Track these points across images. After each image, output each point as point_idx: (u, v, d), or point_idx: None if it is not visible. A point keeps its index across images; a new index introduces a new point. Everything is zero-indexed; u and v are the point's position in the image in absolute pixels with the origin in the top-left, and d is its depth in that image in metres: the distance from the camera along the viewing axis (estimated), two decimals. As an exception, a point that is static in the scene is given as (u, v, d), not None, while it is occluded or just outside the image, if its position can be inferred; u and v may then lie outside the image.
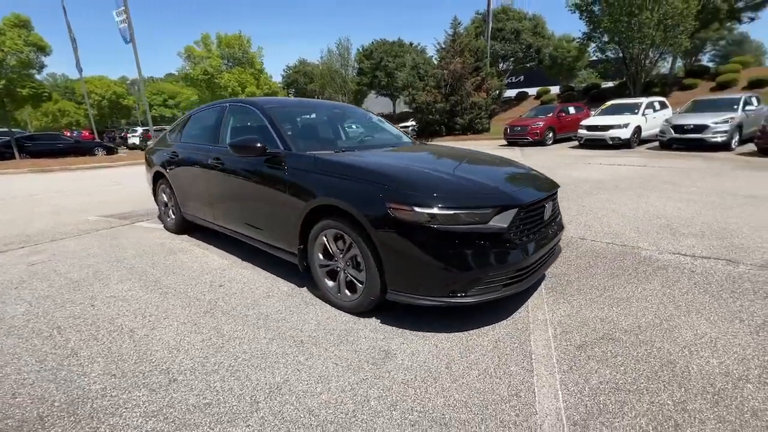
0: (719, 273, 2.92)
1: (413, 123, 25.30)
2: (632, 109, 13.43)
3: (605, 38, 19.90)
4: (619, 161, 9.62)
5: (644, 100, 13.72)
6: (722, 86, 20.94)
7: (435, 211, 2.01)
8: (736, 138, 10.97)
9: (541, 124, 15.45)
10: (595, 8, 18.21)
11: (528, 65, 31.93)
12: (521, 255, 2.15)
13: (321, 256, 2.58)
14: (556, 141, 15.95)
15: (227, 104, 3.58)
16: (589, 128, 13.39)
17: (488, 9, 23.42)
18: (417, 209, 2.02)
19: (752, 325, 2.21)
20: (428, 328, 2.26)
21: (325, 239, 2.50)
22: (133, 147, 25.21)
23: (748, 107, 11.59)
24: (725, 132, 10.67)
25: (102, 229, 4.72)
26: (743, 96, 11.93)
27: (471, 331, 2.23)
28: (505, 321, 2.34)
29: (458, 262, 2.01)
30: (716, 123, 10.79)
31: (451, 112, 21.51)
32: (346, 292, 2.47)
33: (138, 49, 17.50)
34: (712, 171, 7.51)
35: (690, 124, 11.16)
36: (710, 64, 26.55)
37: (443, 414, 1.61)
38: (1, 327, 2.42)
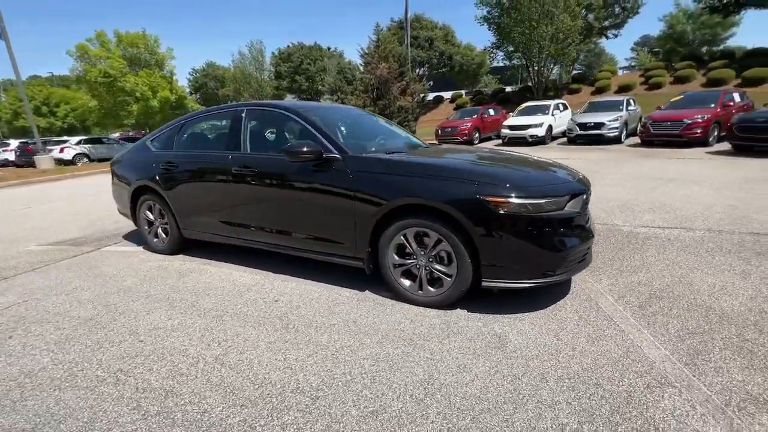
0: (687, 238, 3.65)
1: (342, 127, 25.34)
2: (543, 110, 15.40)
3: (511, 48, 22.44)
4: (542, 155, 11.00)
5: (552, 103, 15.83)
6: (600, 90, 25.06)
7: (527, 201, 2.23)
8: (625, 133, 13.33)
9: (469, 125, 16.87)
10: (503, 21, 20.44)
11: (441, 71, 34.25)
12: (589, 234, 2.48)
13: (396, 256, 2.61)
14: (481, 140, 17.50)
15: (243, 108, 3.34)
16: (511, 128, 15.01)
17: (406, 17, 24.60)
18: (513, 200, 2.22)
19: (739, 273, 2.86)
20: (512, 310, 2.47)
21: (403, 239, 2.54)
22: (5, 164, 20.79)
23: (629, 107, 14.15)
24: (617, 128, 12.91)
25: (63, 260, 3.97)
26: (625, 98, 14.54)
27: (549, 308, 2.50)
28: (569, 296, 2.66)
29: (550, 245, 2.26)
30: (610, 121, 12.99)
31: (381, 115, 22.11)
32: (429, 288, 2.55)
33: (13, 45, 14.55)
34: (617, 160, 9.08)
35: (591, 122, 13.23)
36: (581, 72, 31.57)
37: (587, 376, 1.83)
38: (39, 382, 1.98)
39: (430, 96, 33.27)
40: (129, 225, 5.34)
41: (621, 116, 13.17)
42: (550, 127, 14.85)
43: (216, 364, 2.05)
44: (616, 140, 13.14)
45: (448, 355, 2.05)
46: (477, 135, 17.20)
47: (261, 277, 3.25)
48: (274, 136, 3.39)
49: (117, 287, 3.18)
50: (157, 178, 3.70)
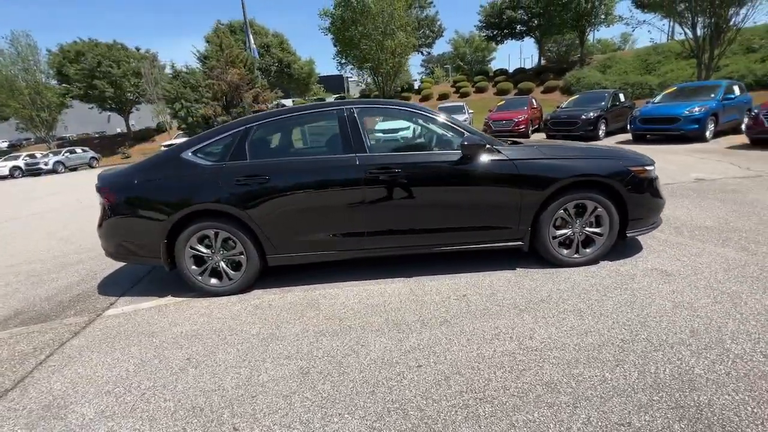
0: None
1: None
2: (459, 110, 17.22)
3: (352, 60, 24.24)
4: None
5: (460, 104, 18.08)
6: (425, 98, 29.85)
7: (651, 168, 3.06)
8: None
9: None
10: (350, 33, 21.84)
11: (281, 79, 33.61)
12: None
13: (555, 229, 3.04)
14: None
15: (352, 107, 3.04)
16: (385, 132, 16.49)
17: (245, 19, 23.13)
18: (648, 168, 3.01)
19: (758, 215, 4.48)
20: (631, 254, 3.27)
21: (563, 212, 3.00)
22: None
23: (469, 111, 17.61)
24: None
25: (66, 342, 2.59)
26: (462, 104, 17.99)
27: (626, 260, 3.39)
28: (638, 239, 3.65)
29: (660, 197, 3.15)
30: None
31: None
32: (585, 250, 3.10)
33: None
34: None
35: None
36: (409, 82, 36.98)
37: (705, 312, 2.77)
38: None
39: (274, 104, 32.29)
40: (95, 267, 3.89)
41: (466, 118, 16.29)
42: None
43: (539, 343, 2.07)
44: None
45: (643, 291, 2.65)
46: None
47: (399, 284, 3.07)
48: (396, 134, 3.21)
49: (230, 340, 2.43)
50: (232, 197, 2.91)
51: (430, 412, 1.71)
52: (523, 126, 14.64)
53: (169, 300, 3.14)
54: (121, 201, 3.01)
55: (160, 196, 2.97)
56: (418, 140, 3.41)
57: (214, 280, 3.11)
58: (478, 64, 47.32)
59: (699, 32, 15.31)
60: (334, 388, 1.93)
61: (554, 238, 3.06)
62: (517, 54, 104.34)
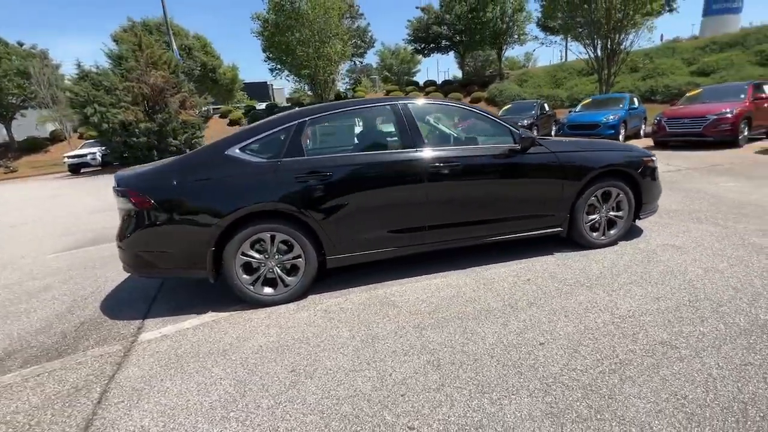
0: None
1: (98, 150, 19.29)
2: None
3: (286, 66, 23.65)
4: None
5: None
6: (361, 106, 30.25)
7: (654, 158, 3.58)
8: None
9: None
10: (288, 38, 21.14)
11: (205, 84, 31.18)
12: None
13: (586, 215, 3.39)
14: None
15: (406, 102, 3.06)
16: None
17: (166, 17, 21.13)
18: (654, 158, 3.52)
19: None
20: (640, 233, 3.77)
21: (594, 198, 3.36)
22: None
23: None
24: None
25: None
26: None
27: (638, 239, 3.93)
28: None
29: (661, 186, 3.69)
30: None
31: (161, 132, 18.30)
32: (610, 231, 3.49)
33: None
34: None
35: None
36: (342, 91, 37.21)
37: (731, 272, 3.37)
38: None
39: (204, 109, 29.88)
40: (74, 290, 3.28)
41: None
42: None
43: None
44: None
45: (671, 261, 3.11)
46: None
47: (459, 276, 3.12)
48: (447, 129, 3.26)
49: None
50: (292, 196, 2.70)
51: (587, 380, 1.82)
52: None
53: (213, 316, 2.78)
54: (158, 205, 2.61)
55: (208, 198, 2.65)
56: (468, 135, 3.52)
57: (268, 289, 2.84)
58: (405, 75, 49.35)
59: (599, 53, 17.99)
60: (478, 374, 1.93)
61: (586, 223, 3.40)
62: (437, 67, 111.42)
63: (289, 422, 1.71)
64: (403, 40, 34.92)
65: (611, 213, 3.48)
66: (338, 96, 26.66)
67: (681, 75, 19.33)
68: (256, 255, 2.77)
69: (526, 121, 14.09)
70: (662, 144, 10.54)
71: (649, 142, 11.23)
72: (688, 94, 11.52)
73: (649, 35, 24.81)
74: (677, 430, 1.51)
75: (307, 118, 2.92)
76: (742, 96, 9.87)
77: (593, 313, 2.41)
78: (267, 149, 2.83)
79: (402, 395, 1.82)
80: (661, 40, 30.03)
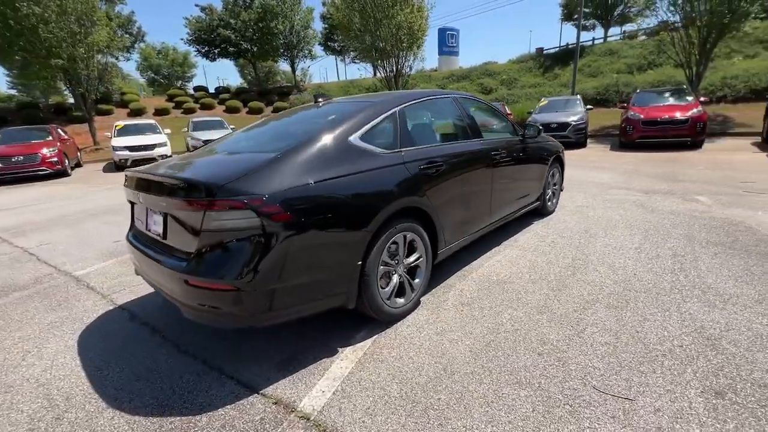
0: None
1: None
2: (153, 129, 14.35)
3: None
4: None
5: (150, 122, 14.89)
6: (138, 112, 24.63)
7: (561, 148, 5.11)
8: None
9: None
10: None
11: None
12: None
13: (547, 189, 4.53)
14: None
15: (459, 96, 3.29)
16: (131, 149, 13.00)
17: None
18: (562, 149, 5.03)
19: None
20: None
21: (550, 176, 4.52)
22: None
23: (229, 126, 16.68)
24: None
25: None
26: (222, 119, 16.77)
27: (572, 205, 5.51)
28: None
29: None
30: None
31: None
32: (554, 200, 4.76)
33: None
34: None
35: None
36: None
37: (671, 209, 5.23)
38: None
39: None
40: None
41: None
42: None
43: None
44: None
45: (628, 210, 4.64)
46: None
47: (505, 250, 3.58)
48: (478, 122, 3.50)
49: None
50: (421, 189, 2.46)
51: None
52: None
53: (354, 357, 2.19)
54: (298, 217, 1.86)
55: (352, 198, 2.09)
56: (491, 127, 3.93)
57: (400, 300, 2.48)
58: (178, 79, 43.10)
59: (387, 74, 21.65)
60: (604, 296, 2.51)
61: (549, 194, 4.54)
62: (212, 74, 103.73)
63: None
64: (182, 39, 30.63)
65: (555, 186, 4.76)
66: (98, 98, 20.81)
67: (439, 96, 25.62)
68: (390, 261, 2.38)
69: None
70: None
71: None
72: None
73: (422, 63, 31.27)
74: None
75: (402, 106, 2.68)
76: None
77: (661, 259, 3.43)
78: (381, 138, 2.45)
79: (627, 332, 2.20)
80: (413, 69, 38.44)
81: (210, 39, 28.05)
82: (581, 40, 30.99)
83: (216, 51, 29.47)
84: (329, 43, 36.18)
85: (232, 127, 16.47)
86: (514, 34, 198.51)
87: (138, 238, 2.43)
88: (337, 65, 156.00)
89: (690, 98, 11.05)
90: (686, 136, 10.11)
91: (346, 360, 2.14)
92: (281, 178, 1.90)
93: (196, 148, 14.17)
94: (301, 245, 1.89)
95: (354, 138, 2.28)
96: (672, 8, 14.43)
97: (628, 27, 28.64)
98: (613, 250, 3.46)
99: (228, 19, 27.55)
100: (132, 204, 2.56)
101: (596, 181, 6.61)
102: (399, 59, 21.06)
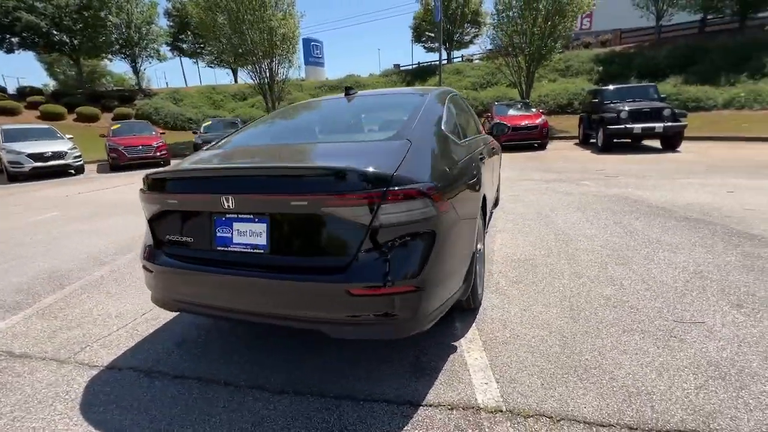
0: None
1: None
2: None
3: None
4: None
5: None
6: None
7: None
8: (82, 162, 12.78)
9: None
10: None
11: None
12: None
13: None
14: None
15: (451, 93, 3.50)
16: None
17: None
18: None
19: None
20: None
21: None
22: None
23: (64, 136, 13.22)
24: (79, 157, 12.24)
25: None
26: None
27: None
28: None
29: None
30: (71, 149, 12.05)
31: None
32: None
33: None
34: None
35: (49, 152, 11.66)
36: None
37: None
38: None
39: None
40: None
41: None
42: None
43: None
44: (80, 170, 12.80)
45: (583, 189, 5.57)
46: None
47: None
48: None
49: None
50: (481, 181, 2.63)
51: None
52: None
53: (467, 341, 2.18)
54: (452, 204, 1.82)
55: (472, 183, 2.22)
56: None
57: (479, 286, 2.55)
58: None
59: (262, 80, 20.49)
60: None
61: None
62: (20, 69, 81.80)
63: (683, 313, 2.31)
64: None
65: (499, 180, 5.49)
66: None
67: (313, 105, 25.59)
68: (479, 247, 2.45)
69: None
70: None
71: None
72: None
73: (298, 71, 30.00)
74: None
75: (447, 99, 2.74)
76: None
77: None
78: (451, 128, 2.47)
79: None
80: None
81: (6, 24, 21.22)
82: (430, 60, 35.51)
83: (15, 40, 22.50)
84: (177, 44, 31.99)
85: (69, 136, 13.18)
86: (369, 50, 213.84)
87: (187, 257, 1.87)
88: (183, 67, 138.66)
89: (534, 109, 14.11)
90: (536, 139, 12.84)
91: (472, 351, 2.12)
92: (429, 165, 1.79)
93: (14, 163, 11.05)
94: (453, 234, 1.82)
95: (444, 127, 2.28)
96: (506, 39, 18.09)
97: (465, 51, 34.20)
98: (573, 224, 4.26)
99: (33, 2, 21.41)
100: (159, 215, 1.94)
101: (502, 176, 7.81)
102: (273, 65, 20.25)
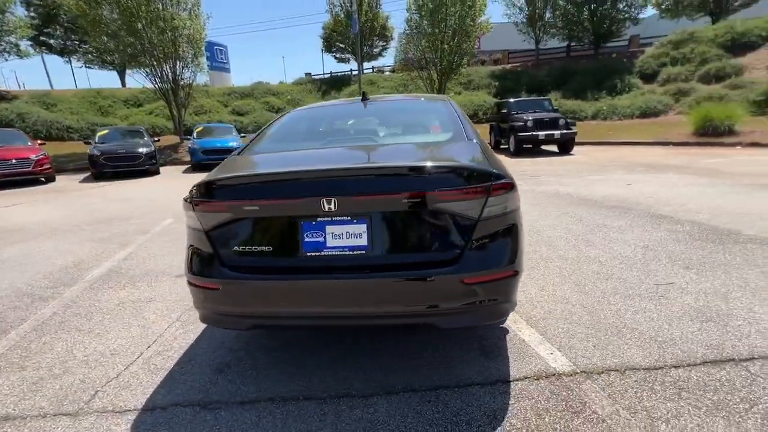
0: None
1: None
2: None
3: None
4: None
5: None
6: None
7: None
8: None
9: None
10: None
11: None
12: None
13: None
14: None
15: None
16: None
17: None
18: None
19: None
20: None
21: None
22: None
23: None
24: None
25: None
26: None
27: None
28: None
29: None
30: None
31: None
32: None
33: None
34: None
35: None
36: None
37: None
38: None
39: None
40: None
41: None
42: None
43: None
44: None
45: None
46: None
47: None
48: None
49: (568, 261, 3.27)
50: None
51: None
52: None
53: (511, 317, 2.43)
54: None
55: None
56: None
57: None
58: None
59: (165, 84, 18.41)
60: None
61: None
62: None
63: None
64: None
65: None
66: None
67: (223, 114, 23.89)
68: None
69: (145, 149, 12.58)
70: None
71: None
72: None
73: (207, 76, 27.05)
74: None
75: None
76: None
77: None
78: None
79: (620, 253, 3.44)
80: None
81: None
82: (341, 70, 35.96)
83: None
84: (43, 38, 26.90)
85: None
86: (274, 57, 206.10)
87: (265, 268, 1.76)
88: (47, 67, 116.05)
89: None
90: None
91: (522, 330, 2.37)
92: (497, 161, 1.99)
93: None
94: (521, 223, 2.04)
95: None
96: (419, 54, 19.45)
97: (375, 63, 35.51)
98: (535, 218, 4.87)
99: None
100: (224, 224, 1.78)
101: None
102: (176, 68, 18.41)
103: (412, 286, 1.68)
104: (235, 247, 1.79)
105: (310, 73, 31.93)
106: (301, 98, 26.69)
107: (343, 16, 30.43)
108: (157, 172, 12.88)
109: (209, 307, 1.88)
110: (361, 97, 2.89)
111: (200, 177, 1.91)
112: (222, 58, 31.19)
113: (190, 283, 1.91)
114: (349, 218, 1.71)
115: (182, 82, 18.96)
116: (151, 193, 9.04)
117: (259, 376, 2.09)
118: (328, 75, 32.40)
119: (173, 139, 19.28)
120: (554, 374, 1.95)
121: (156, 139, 14.61)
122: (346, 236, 1.72)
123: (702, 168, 7.73)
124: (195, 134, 14.36)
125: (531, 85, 23.40)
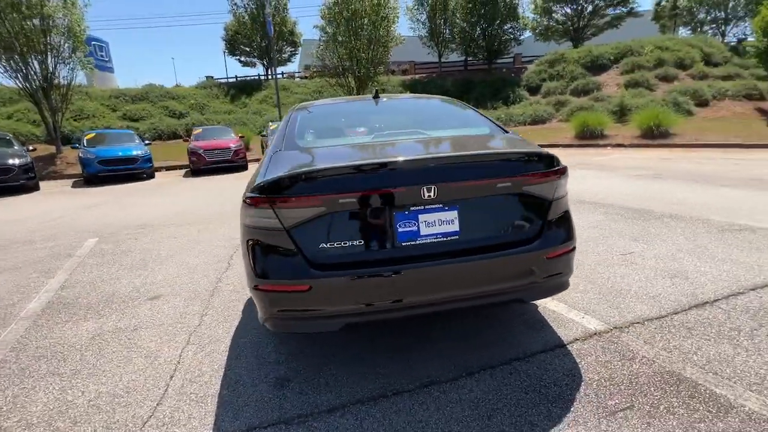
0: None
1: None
2: None
3: None
4: None
5: None
6: None
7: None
8: None
9: None
10: None
11: None
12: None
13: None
14: None
15: None
16: None
17: None
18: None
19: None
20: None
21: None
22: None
23: None
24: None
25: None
26: None
27: None
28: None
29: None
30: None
31: None
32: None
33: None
34: None
35: None
36: None
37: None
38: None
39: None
40: None
41: None
42: None
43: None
44: None
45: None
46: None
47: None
48: None
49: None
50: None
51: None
52: None
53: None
54: None
55: None
56: None
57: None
58: None
59: (32, 83, 15.20)
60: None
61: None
62: None
63: (621, 249, 3.50)
64: None
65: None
66: None
67: (111, 119, 20.71)
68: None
69: (20, 160, 10.31)
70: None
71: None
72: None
73: (91, 75, 22.62)
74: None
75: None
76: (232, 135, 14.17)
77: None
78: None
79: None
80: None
81: None
82: (249, 74, 34.03)
83: None
84: None
85: None
86: (162, 59, 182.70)
87: (356, 263, 1.72)
88: None
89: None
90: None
91: (547, 303, 2.65)
92: None
93: None
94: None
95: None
96: (336, 61, 19.60)
97: (285, 69, 34.43)
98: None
99: None
100: (310, 221, 1.68)
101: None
102: (48, 65, 15.41)
103: (505, 265, 1.80)
104: (323, 244, 1.69)
105: (212, 77, 29.56)
106: (206, 102, 24.61)
107: (247, 18, 28.89)
108: (37, 188, 10.63)
109: (291, 312, 1.73)
110: (373, 95, 2.91)
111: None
112: (103, 56, 27.02)
113: (260, 290, 1.74)
114: (441, 206, 1.76)
115: (56, 81, 15.97)
116: (45, 210, 7.45)
117: (330, 383, 1.97)
118: (233, 79, 30.42)
119: (47, 148, 16.07)
120: (596, 333, 2.26)
121: (32, 148, 12.05)
122: (438, 223, 1.76)
123: (596, 164, 9.37)
124: (85, 142, 12.24)
125: (438, 94, 25.27)
